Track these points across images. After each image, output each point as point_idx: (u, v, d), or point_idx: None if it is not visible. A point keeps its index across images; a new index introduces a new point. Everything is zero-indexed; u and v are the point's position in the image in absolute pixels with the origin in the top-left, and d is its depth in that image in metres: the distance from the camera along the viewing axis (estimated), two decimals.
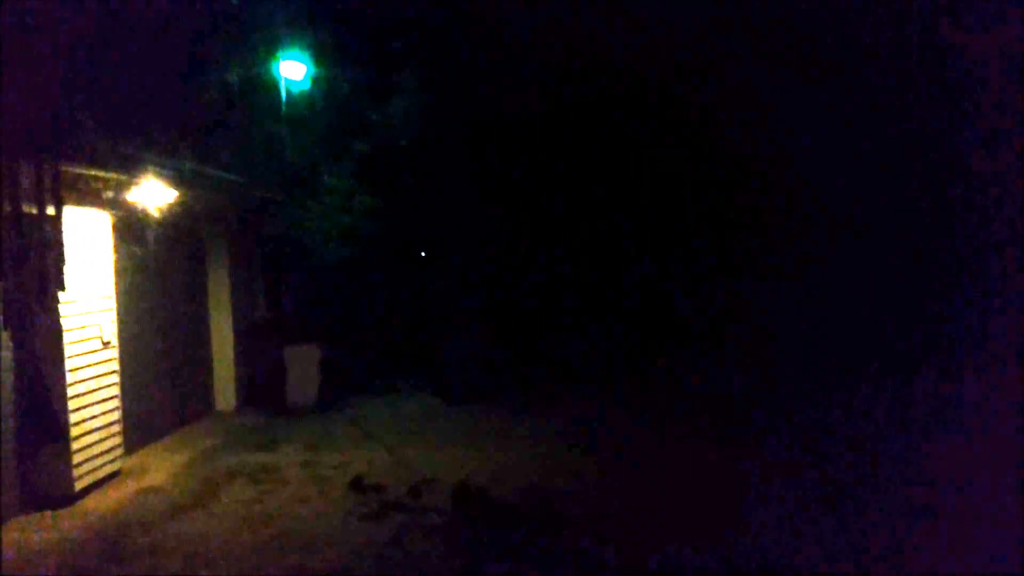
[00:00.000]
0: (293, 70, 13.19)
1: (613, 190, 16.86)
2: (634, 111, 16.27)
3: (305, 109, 13.89)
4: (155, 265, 11.24)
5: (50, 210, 7.83)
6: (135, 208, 9.86)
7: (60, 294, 8.14)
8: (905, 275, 12.98)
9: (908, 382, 11.17)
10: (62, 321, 8.41)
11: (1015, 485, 7.19)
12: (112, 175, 8.97)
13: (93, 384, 8.97)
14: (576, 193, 17.05)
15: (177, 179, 9.98)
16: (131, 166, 9.15)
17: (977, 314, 11.19)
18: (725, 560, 6.85)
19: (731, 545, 7.12)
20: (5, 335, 8.02)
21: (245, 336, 13.65)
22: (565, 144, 16.60)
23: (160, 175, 9.54)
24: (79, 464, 8.61)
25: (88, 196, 8.99)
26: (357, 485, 9.03)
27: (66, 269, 7.95)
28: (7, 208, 7.31)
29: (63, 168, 8.07)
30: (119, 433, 9.48)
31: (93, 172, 8.67)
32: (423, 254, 18.75)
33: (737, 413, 12.14)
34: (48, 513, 8.20)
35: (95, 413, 8.97)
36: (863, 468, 9.07)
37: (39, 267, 7.52)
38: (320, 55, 13.69)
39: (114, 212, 9.63)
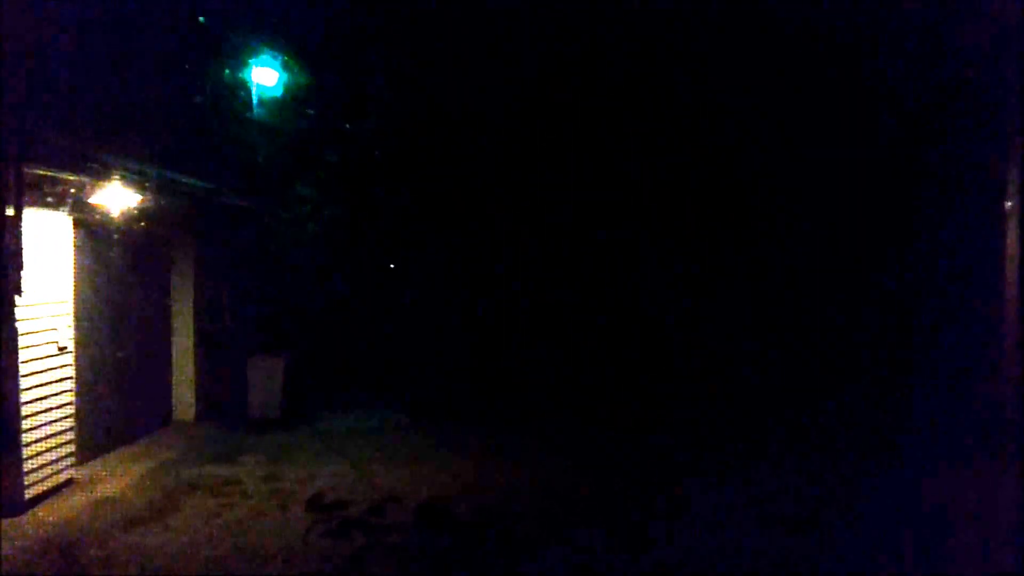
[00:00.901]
0: (266, 76, 13.02)
1: (587, 206, 16.80)
2: (611, 126, 16.24)
3: (277, 117, 13.74)
4: (117, 270, 11.01)
5: (10, 211, 7.64)
6: (98, 212, 9.66)
7: (16, 299, 7.95)
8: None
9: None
10: (16, 325, 8.17)
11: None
12: (75, 177, 8.78)
13: (46, 391, 8.74)
14: (549, 210, 16.98)
15: (142, 184, 9.80)
16: (95, 169, 8.97)
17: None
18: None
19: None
20: None
21: (208, 345, 13.39)
22: (539, 158, 16.54)
23: (125, 179, 9.37)
24: (30, 472, 8.37)
25: (49, 198, 8.79)
26: (318, 502, 8.85)
27: (23, 275, 7.77)
28: None
29: (24, 169, 7.89)
30: (72, 442, 9.25)
31: (55, 174, 8.48)
32: (392, 267, 18.59)
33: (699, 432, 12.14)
34: None
35: (48, 420, 8.74)
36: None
37: None
38: (293, 64, 13.56)
39: (76, 215, 9.41)
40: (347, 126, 14.59)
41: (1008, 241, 6.82)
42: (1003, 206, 7.00)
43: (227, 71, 12.76)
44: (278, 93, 13.42)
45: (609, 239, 16.63)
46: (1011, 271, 6.93)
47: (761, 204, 15.24)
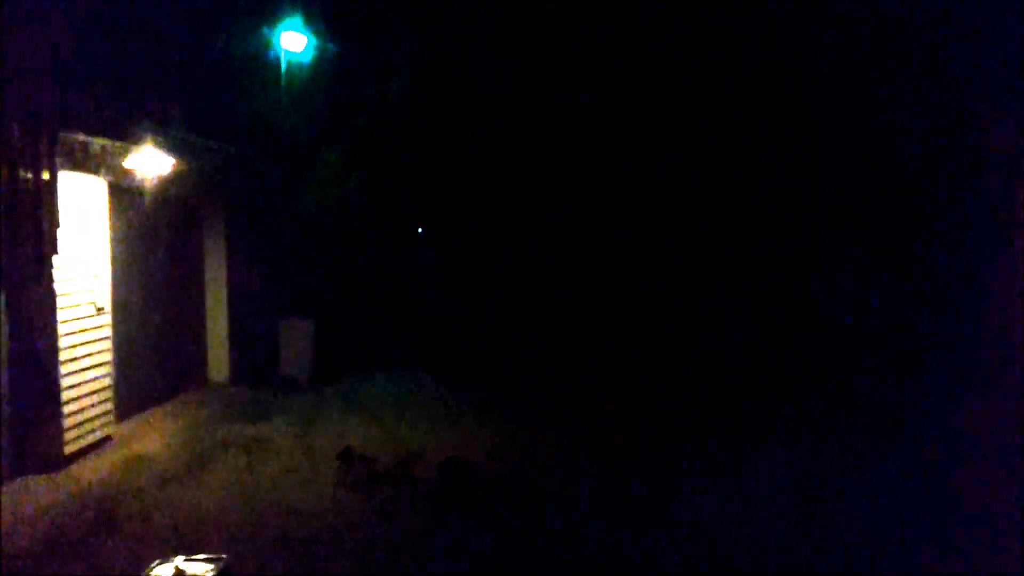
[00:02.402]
0: (294, 41, 13.10)
1: (607, 177, 16.83)
2: (631, 102, 16.25)
3: (304, 82, 13.84)
4: (150, 234, 11.22)
5: (45, 176, 7.83)
6: (131, 176, 9.84)
7: (54, 259, 8.15)
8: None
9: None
10: (55, 286, 8.40)
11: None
12: (109, 142, 8.96)
13: (85, 350, 8.97)
14: (570, 177, 17.02)
15: (173, 147, 9.96)
16: (128, 133, 9.14)
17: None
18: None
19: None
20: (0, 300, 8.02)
21: (240, 308, 13.62)
22: (560, 127, 16.56)
23: (156, 143, 9.52)
24: (70, 429, 8.63)
25: (84, 163, 8.97)
26: (347, 456, 9.08)
27: (60, 234, 7.95)
28: (4, 173, 7.31)
29: (60, 134, 8.07)
30: (110, 400, 9.50)
31: (90, 139, 8.66)
32: (418, 233, 18.74)
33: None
34: (40, 477, 8.20)
35: (86, 379, 8.98)
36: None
37: (34, 232, 7.52)
38: (321, 28, 13.62)
39: (110, 179, 9.60)
40: (373, 91, 14.66)
41: None
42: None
43: (256, 37, 12.86)
44: (306, 59, 13.52)
45: (625, 217, 16.71)
46: None
47: (776, 186, 15.26)
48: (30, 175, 7.53)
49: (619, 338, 15.83)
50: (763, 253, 15.46)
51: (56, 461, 8.45)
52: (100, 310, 9.32)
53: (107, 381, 9.44)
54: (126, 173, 9.72)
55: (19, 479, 8.11)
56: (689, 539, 7.02)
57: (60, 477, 8.26)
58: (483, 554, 6.79)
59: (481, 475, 8.60)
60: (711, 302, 15.74)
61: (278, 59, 13.18)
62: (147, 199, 10.78)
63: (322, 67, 14.01)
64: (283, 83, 13.33)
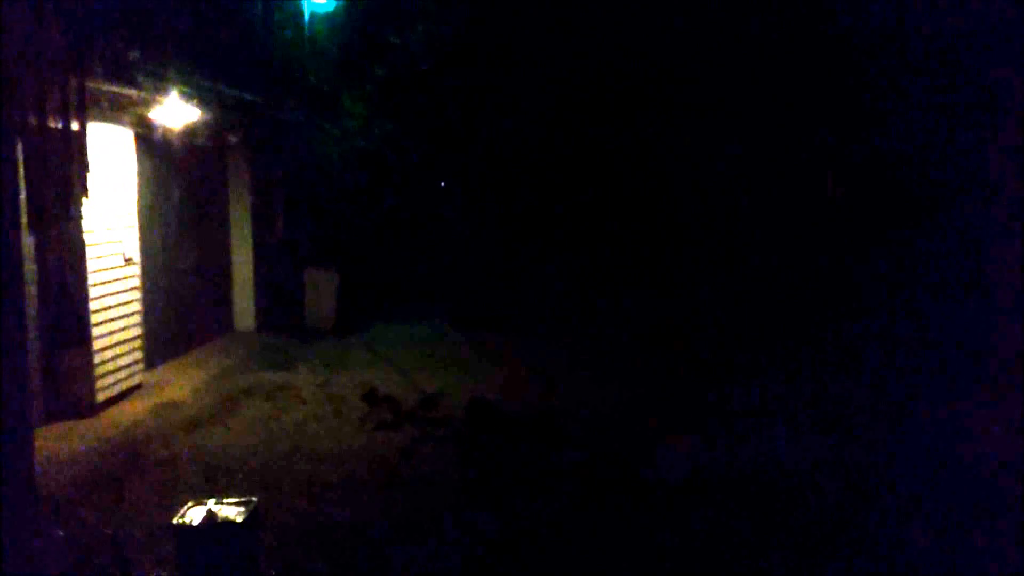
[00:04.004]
0: None
1: (627, 143, 16.73)
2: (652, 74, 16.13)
3: (327, 32, 13.82)
4: (177, 185, 11.32)
5: (75, 125, 7.89)
6: (158, 126, 9.90)
7: (83, 208, 8.24)
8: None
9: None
10: (85, 236, 8.51)
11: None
12: (135, 92, 9.00)
13: (115, 299, 9.11)
14: (593, 135, 16.92)
15: (199, 97, 9.99)
16: (154, 83, 9.17)
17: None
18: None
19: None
20: (29, 246, 8.13)
21: (265, 258, 13.75)
22: (585, 83, 16.43)
23: (182, 93, 9.56)
24: (101, 376, 8.80)
25: (112, 112, 9.02)
26: (371, 397, 9.26)
27: (89, 178, 8.02)
28: (33, 121, 7.38)
29: (88, 83, 8.11)
30: (140, 348, 9.66)
31: (117, 89, 8.70)
32: (440, 184, 18.72)
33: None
34: (72, 423, 8.39)
35: (117, 328, 9.13)
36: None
37: (63, 176, 7.59)
38: None
39: (137, 130, 9.68)
40: (396, 41, 14.60)
41: None
42: None
43: None
44: (330, 8, 13.49)
45: (641, 167, 16.67)
46: None
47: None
48: (59, 123, 7.60)
49: (630, 288, 15.93)
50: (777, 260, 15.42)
51: (89, 407, 8.63)
52: (129, 260, 9.44)
53: (137, 330, 9.59)
54: (153, 124, 9.78)
55: (52, 425, 8.31)
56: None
57: (92, 423, 8.45)
58: (506, 486, 6.98)
59: (504, 416, 8.79)
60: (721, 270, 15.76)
61: (302, 9, 13.15)
62: (174, 150, 10.85)
63: (345, 16, 13.97)
64: (307, 33, 13.31)
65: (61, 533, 5.98)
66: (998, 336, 10.21)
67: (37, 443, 7.75)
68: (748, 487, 6.92)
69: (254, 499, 5.22)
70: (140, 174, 9.91)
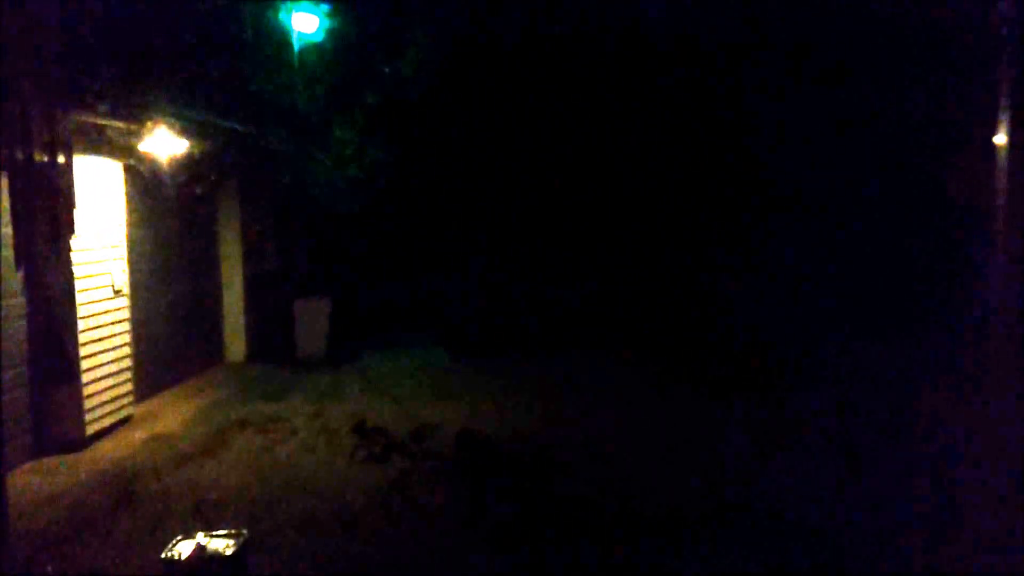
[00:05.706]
0: (305, 22, 13.10)
1: (626, 152, 16.79)
2: (648, 81, 16.20)
3: (316, 60, 13.83)
4: (166, 215, 11.31)
5: (61, 159, 7.89)
6: (147, 158, 9.90)
7: (72, 241, 8.21)
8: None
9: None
10: (74, 268, 8.50)
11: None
12: (123, 125, 9.02)
13: (104, 331, 9.09)
14: (586, 155, 16.98)
15: (188, 129, 10.01)
16: (142, 116, 9.19)
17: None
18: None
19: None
20: (19, 281, 8.11)
21: (255, 288, 13.74)
22: (579, 101, 16.51)
23: (171, 125, 9.58)
24: (91, 409, 8.76)
25: (100, 145, 9.04)
26: (361, 429, 9.21)
27: (76, 214, 8.00)
28: (20, 156, 7.37)
29: (75, 116, 8.12)
30: (130, 380, 9.63)
31: (105, 121, 8.72)
32: (432, 210, 18.73)
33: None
34: (61, 457, 8.34)
35: (106, 360, 9.10)
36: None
37: (50, 213, 7.58)
38: (333, 6, 13.60)
39: (126, 161, 9.68)
40: (386, 69, 14.63)
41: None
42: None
43: (269, 18, 12.86)
44: (318, 39, 13.52)
45: (643, 186, 16.70)
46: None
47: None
48: (46, 157, 7.59)
49: (628, 315, 15.92)
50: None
51: (78, 441, 8.58)
52: (118, 292, 9.42)
53: (126, 362, 9.56)
54: (141, 155, 9.79)
55: (42, 459, 8.25)
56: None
57: (82, 457, 8.40)
58: (500, 522, 6.88)
59: (497, 447, 8.74)
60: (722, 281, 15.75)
61: (291, 39, 13.18)
62: (162, 181, 10.84)
63: (335, 45, 14.00)
64: (296, 63, 13.33)
65: (49, 569, 5.92)
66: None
67: (26, 477, 7.73)
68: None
69: (244, 532, 5.17)
70: (129, 206, 9.91)
